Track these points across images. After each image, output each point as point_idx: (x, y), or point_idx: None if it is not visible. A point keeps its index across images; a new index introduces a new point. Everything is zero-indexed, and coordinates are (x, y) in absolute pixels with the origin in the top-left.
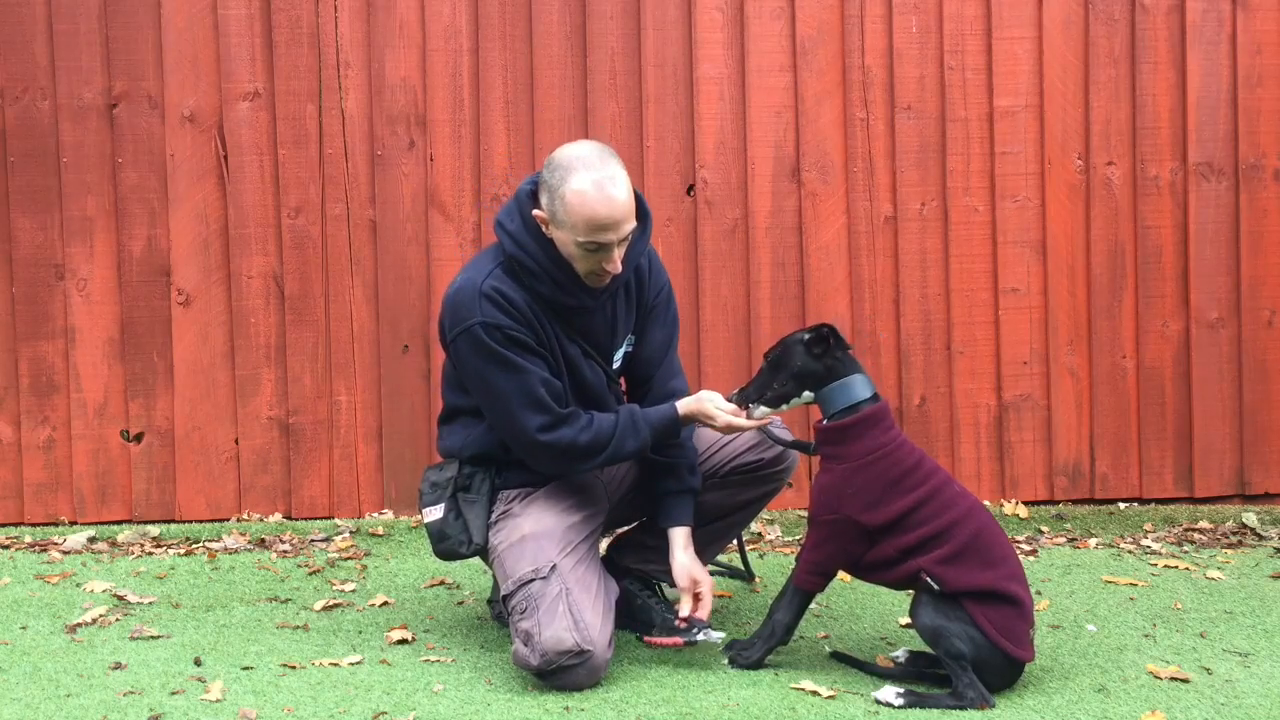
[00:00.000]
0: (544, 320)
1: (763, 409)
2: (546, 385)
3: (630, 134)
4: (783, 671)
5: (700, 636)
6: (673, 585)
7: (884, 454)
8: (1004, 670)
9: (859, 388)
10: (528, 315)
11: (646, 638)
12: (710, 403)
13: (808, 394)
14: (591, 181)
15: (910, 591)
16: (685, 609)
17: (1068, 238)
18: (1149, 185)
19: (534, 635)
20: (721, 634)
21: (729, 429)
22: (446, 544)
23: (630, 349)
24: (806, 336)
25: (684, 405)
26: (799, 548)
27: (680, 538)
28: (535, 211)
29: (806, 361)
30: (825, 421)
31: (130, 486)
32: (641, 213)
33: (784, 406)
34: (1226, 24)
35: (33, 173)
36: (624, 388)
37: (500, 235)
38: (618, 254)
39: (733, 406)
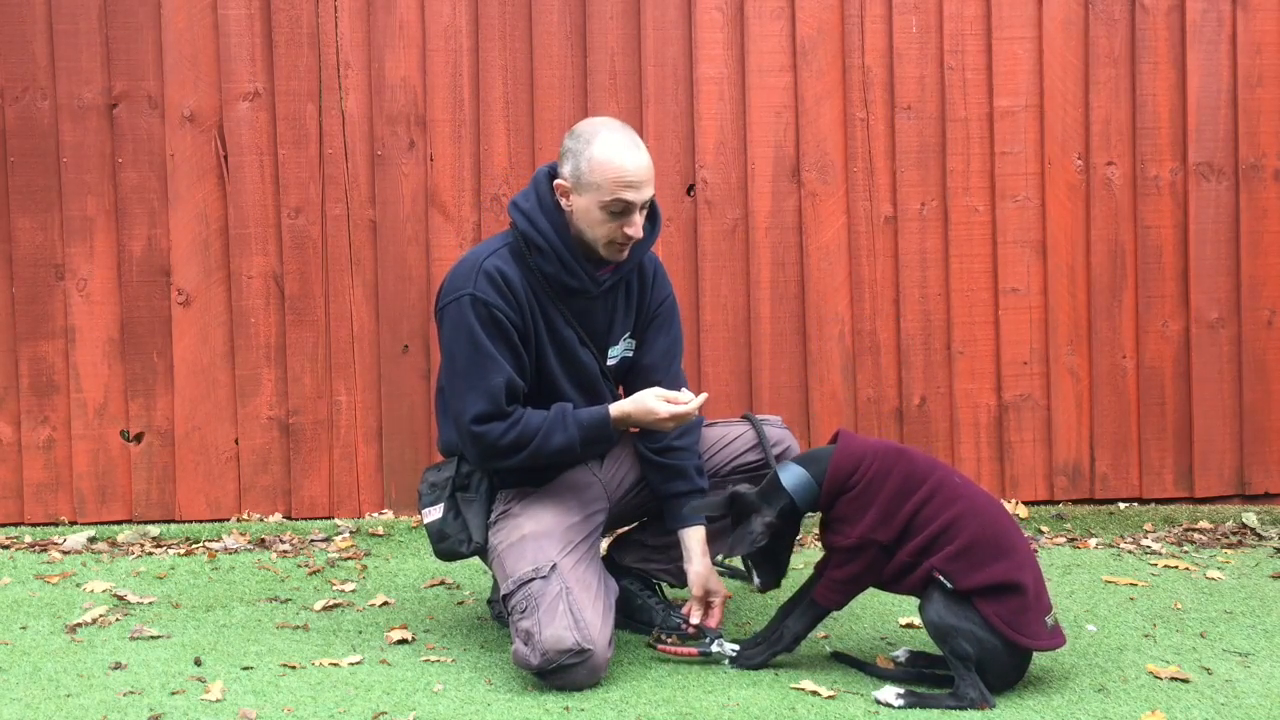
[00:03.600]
0: (543, 303)
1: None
2: (507, 380)
3: None
4: (783, 671)
5: (715, 648)
6: (674, 585)
7: (875, 473)
8: (1008, 670)
9: (801, 481)
10: (522, 298)
11: (660, 645)
12: (651, 396)
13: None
14: (618, 143)
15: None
16: (696, 617)
17: (1068, 238)
18: (1149, 185)
19: (534, 634)
20: (735, 646)
21: (675, 419)
22: (446, 544)
23: (630, 354)
24: (764, 541)
25: (619, 406)
26: (798, 547)
27: (696, 543)
28: (557, 181)
29: (780, 535)
30: (819, 499)
31: (130, 486)
32: (652, 211)
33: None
34: (1226, 24)
35: (33, 173)
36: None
37: (514, 214)
38: (638, 218)
39: (673, 394)
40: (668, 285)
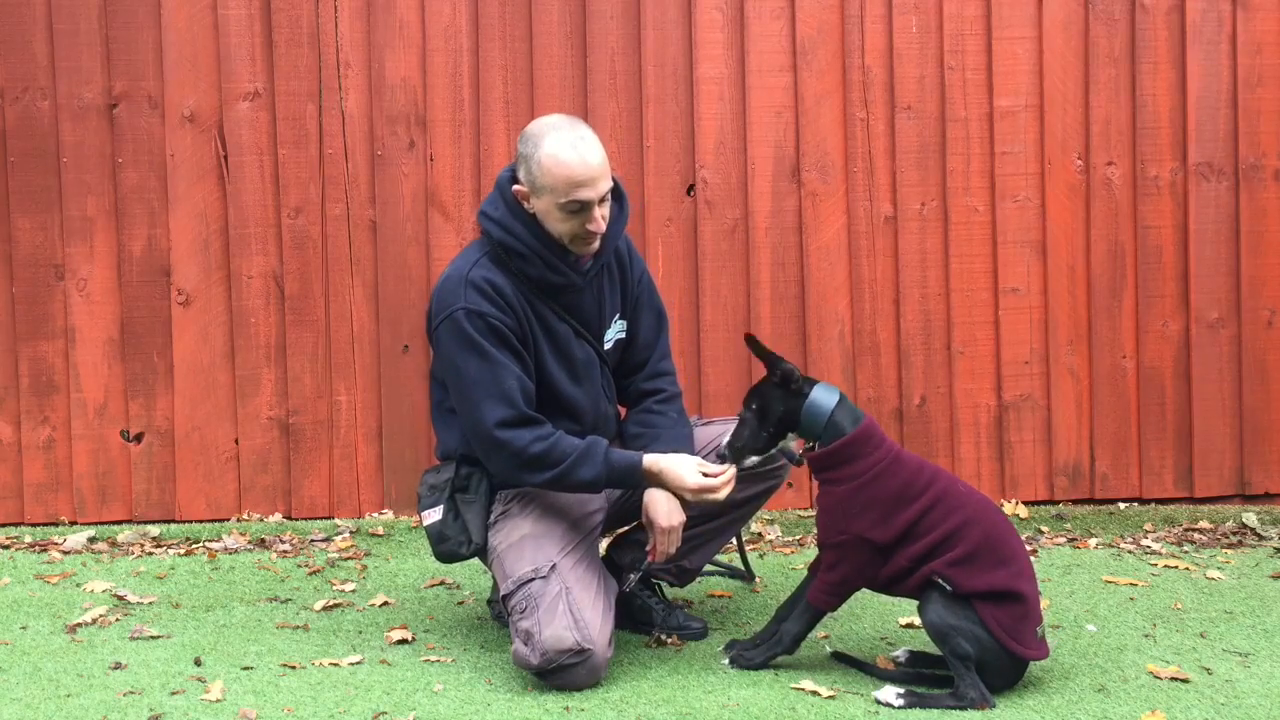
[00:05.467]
0: (533, 303)
1: (753, 459)
2: (519, 383)
3: (630, 134)
4: (783, 671)
5: (626, 585)
6: (673, 585)
7: (880, 471)
8: (1007, 671)
9: (823, 400)
10: (513, 302)
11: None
12: (692, 464)
13: (791, 435)
14: (565, 142)
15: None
16: (650, 541)
17: (1068, 238)
18: (1149, 185)
19: (534, 634)
20: (634, 578)
21: (701, 490)
22: (446, 545)
23: (623, 335)
24: (776, 379)
25: (653, 458)
26: (798, 547)
27: (651, 492)
28: (515, 186)
29: (784, 399)
30: (815, 448)
31: (130, 486)
32: (617, 193)
33: (773, 451)
34: (1226, 24)
35: (33, 173)
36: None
37: (486, 225)
38: (599, 213)
39: (710, 468)
40: (641, 259)
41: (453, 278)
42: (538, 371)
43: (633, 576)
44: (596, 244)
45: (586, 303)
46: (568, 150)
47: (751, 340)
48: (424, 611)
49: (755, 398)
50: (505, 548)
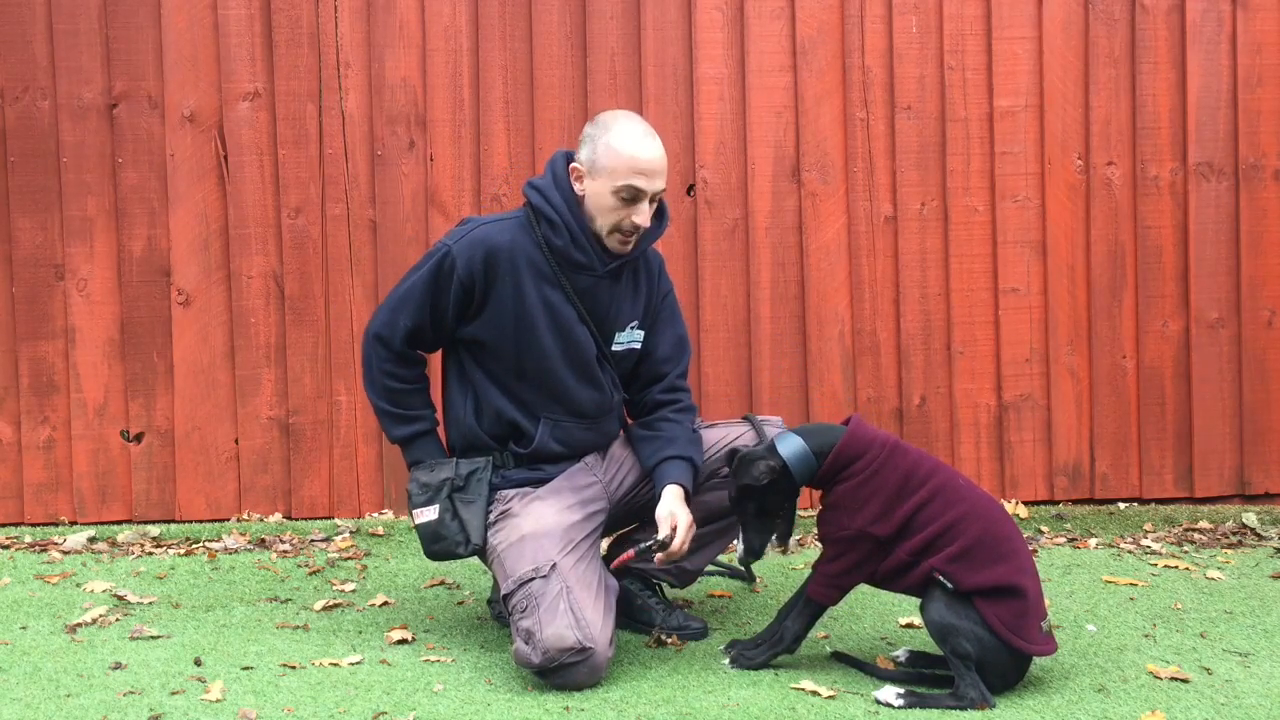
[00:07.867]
0: (537, 278)
1: (792, 539)
2: (413, 325)
3: None
4: (783, 671)
5: (644, 545)
6: (674, 586)
7: (882, 463)
8: (1009, 670)
9: (793, 449)
10: (497, 269)
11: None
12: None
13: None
14: (637, 131)
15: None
16: (661, 534)
17: (1068, 238)
18: (1149, 185)
19: (535, 633)
20: (659, 544)
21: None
22: (442, 545)
23: (637, 345)
24: (764, 480)
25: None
26: (798, 547)
27: (671, 493)
28: (572, 165)
29: (771, 485)
30: (817, 473)
31: (130, 486)
32: (659, 210)
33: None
34: (1226, 24)
35: (33, 173)
36: (625, 390)
37: (527, 192)
38: (646, 209)
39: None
40: (670, 281)
41: (472, 222)
42: (531, 347)
43: (634, 552)
44: (632, 244)
45: (602, 294)
46: (638, 138)
47: (727, 458)
48: (424, 611)
49: (746, 501)
50: (505, 547)
